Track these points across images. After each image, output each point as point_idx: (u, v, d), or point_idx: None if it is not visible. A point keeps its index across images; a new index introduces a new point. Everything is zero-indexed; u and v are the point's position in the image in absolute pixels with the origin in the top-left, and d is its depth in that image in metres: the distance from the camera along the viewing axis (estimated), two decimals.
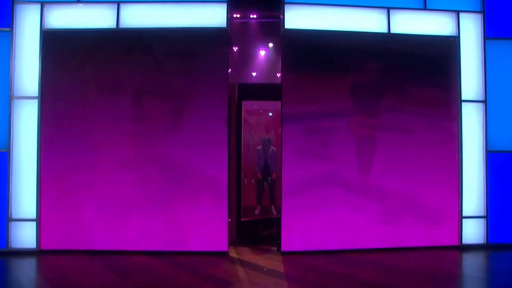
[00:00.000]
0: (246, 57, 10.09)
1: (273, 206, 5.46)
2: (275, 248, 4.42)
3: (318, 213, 4.23)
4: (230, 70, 10.39)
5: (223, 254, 4.15)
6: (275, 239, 4.68)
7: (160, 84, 4.27)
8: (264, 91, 4.99)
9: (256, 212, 5.39)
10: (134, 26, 4.32)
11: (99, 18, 4.33)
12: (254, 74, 10.39)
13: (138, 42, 4.30)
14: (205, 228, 4.17)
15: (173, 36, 4.30)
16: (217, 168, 4.16)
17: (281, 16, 4.35)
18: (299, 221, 4.21)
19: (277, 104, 5.68)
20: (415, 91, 4.43)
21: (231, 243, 4.60)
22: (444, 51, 4.50)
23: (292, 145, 4.23)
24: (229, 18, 4.36)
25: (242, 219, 4.77)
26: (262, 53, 10.07)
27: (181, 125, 4.22)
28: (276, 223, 4.78)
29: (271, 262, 3.99)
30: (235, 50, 10.07)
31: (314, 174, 4.23)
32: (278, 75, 10.49)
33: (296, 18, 4.38)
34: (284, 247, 4.19)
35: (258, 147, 5.54)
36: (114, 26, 4.30)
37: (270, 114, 6.18)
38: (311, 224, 4.24)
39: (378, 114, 4.38)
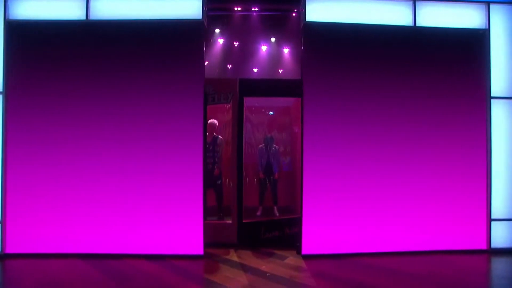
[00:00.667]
0: (247, 53, 9.94)
1: (275, 207, 5.30)
2: (278, 252, 4.29)
3: (341, 214, 4.13)
4: (230, 66, 10.42)
5: (198, 258, 4.03)
6: (278, 242, 4.55)
7: (131, 79, 4.10)
8: (267, 87, 4.81)
9: (258, 213, 5.23)
10: (104, 18, 4.16)
11: (68, 9, 4.16)
12: (255, 70, 10.24)
13: (109, 35, 4.13)
14: (179, 231, 4.06)
15: (145, 29, 4.13)
16: (192, 168, 4.04)
17: (301, 9, 4.23)
18: (321, 222, 4.12)
19: (279, 101, 5.63)
20: (442, 86, 4.28)
21: (232, 246, 4.47)
22: (472, 45, 4.35)
23: (314, 143, 4.11)
24: (205, 10, 4.21)
25: (243, 221, 4.61)
26: (264, 48, 9.93)
27: (154, 124, 4.07)
28: (279, 224, 4.64)
29: (290, 265, 3.85)
30: (235, 45, 9.92)
31: (336, 174, 4.13)
32: (280, 71, 10.42)
33: (318, 11, 4.24)
34: (305, 250, 4.07)
35: (260, 146, 5.38)
36: (84, 17, 4.14)
37: (271, 112, 6.00)
38: (333, 226, 4.13)
39: (402, 110, 4.24)
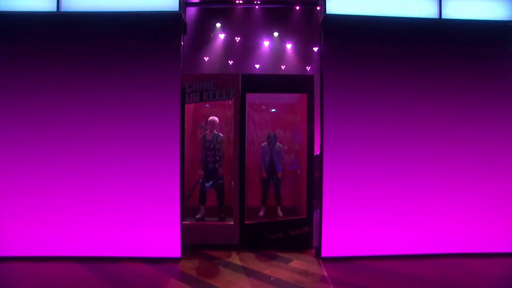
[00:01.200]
0: (249, 48, 9.79)
1: (279, 208, 5.16)
2: (282, 254, 4.16)
3: (363, 215, 4.01)
4: (231, 62, 10.25)
5: (176, 261, 3.90)
6: (282, 244, 4.41)
7: (105, 76, 3.93)
8: (271, 83, 4.66)
9: (261, 214, 5.10)
10: (76, 9, 3.99)
11: (37, 0, 3.97)
12: (257, 66, 10.08)
13: (81, 27, 3.96)
14: (155, 232, 3.93)
15: (119, 21, 3.96)
16: (169, 168, 3.91)
17: (322, 1, 4.08)
18: (342, 224, 4.00)
19: (283, 98, 5.47)
20: (469, 81, 4.12)
21: (234, 248, 4.34)
22: (501, 37, 4.18)
23: (335, 142, 3.99)
24: (183, 1, 4.03)
25: (246, 222, 4.48)
26: (266, 43, 9.76)
27: (127, 122, 3.92)
28: (282, 226, 4.51)
29: (295, 269, 3.72)
30: (237, 41, 9.77)
31: (358, 173, 4.00)
32: (283, 67, 10.26)
33: (338, 3, 4.08)
34: (325, 253, 3.96)
35: (263, 144, 5.24)
36: (55, 9, 3.97)
37: (273, 110, 5.85)
38: (355, 227, 4.01)
39: (428, 107, 4.08)
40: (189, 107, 5.26)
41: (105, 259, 3.89)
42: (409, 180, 4.07)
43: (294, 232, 4.50)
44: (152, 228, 3.93)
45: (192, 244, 4.40)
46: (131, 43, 3.96)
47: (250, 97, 4.81)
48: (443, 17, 4.16)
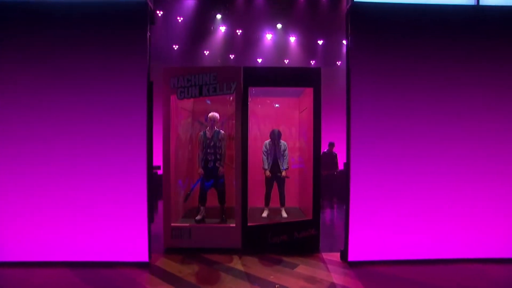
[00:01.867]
0: (251, 41, 9.56)
1: (283, 209, 4.97)
2: (287, 258, 3.96)
3: (391, 217, 3.82)
4: (233, 56, 10.03)
5: (143, 266, 3.73)
6: (287, 247, 4.22)
7: (63, 71, 3.70)
8: (275, 76, 4.44)
9: (264, 215, 4.91)
10: None
11: None
12: (259, 60, 9.86)
13: (40, 17, 3.72)
14: (121, 236, 3.74)
15: (80, 10, 3.73)
16: (134, 167, 3.71)
17: None
18: (370, 226, 3.82)
19: (287, 92, 5.26)
20: (509, 74, 3.86)
21: (236, 252, 4.15)
22: None
23: (362, 140, 3.78)
24: None
25: (248, 224, 4.28)
26: (269, 36, 9.52)
27: (89, 118, 3.71)
28: (287, 228, 4.30)
29: (301, 275, 3.51)
30: (238, 34, 9.53)
31: (386, 173, 3.81)
32: (286, 61, 10.04)
33: None
34: (352, 256, 3.80)
35: (266, 141, 5.03)
36: None
37: (277, 105, 5.65)
38: (383, 230, 3.83)
39: (463, 103, 3.84)
40: (188, 102, 5.09)
41: (68, 264, 3.70)
42: (440, 180, 3.85)
43: (300, 234, 4.30)
44: (118, 231, 3.74)
45: (191, 248, 4.22)
46: (93, 34, 3.72)
47: (253, 92, 4.63)
48: (480, 3, 3.90)
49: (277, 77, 4.46)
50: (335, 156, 8.02)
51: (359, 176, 3.79)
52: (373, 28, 3.83)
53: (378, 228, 3.83)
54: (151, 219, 3.82)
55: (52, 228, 3.74)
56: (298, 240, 4.28)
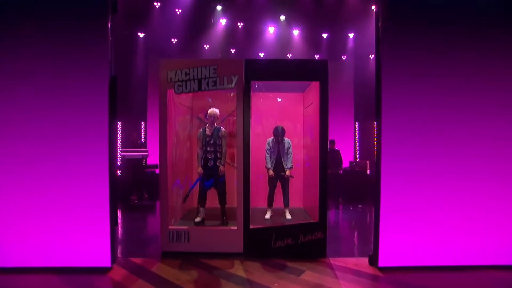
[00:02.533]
0: (253, 35, 9.33)
1: (287, 210, 4.77)
2: (292, 264, 3.76)
3: (426, 220, 3.61)
4: (234, 50, 9.79)
5: (106, 271, 3.54)
6: (292, 252, 4.02)
7: (16, 64, 3.49)
8: (279, 69, 4.22)
9: (267, 216, 4.72)
10: None
11: None
12: (261, 54, 9.62)
13: None
14: (82, 240, 3.54)
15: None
16: (95, 167, 3.52)
17: None
18: (401, 230, 3.61)
19: (292, 86, 5.05)
20: None
21: (237, 256, 3.95)
22: None
23: (394, 138, 3.57)
24: None
25: (251, 227, 4.08)
26: (271, 30, 9.28)
27: (45, 114, 3.50)
28: (292, 231, 4.10)
29: (308, 283, 3.30)
30: (239, 27, 9.30)
31: (421, 174, 3.59)
32: (289, 56, 9.79)
33: None
34: (382, 262, 3.59)
35: (269, 139, 4.82)
36: None
37: (279, 99, 5.44)
38: (416, 234, 3.62)
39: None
40: (187, 98, 4.89)
41: (21, 270, 3.50)
42: (477, 182, 3.64)
43: (305, 238, 4.09)
44: (77, 234, 3.54)
45: (190, 252, 4.03)
46: (47, 25, 3.49)
47: (255, 86, 4.42)
48: None
49: (281, 70, 4.24)
50: (338, 153, 7.81)
51: (390, 176, 3.57)
52: (408, 12, 3.57)
53: (411, 232, 3.60)
54: (114, 221, 3.62)
55: (3, 232, 3.51)
56: (303, 244, 4.08)
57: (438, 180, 3.62)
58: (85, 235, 3.54)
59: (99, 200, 3.52)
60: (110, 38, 3.55)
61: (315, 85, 4.35)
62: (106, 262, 3.57)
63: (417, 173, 3.60)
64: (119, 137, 8.64)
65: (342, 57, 9.79)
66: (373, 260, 3.69)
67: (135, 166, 7.14)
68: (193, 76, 4.06)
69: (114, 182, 3.60)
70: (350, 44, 9.72)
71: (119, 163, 8.22)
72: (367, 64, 9.71)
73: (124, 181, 7.49)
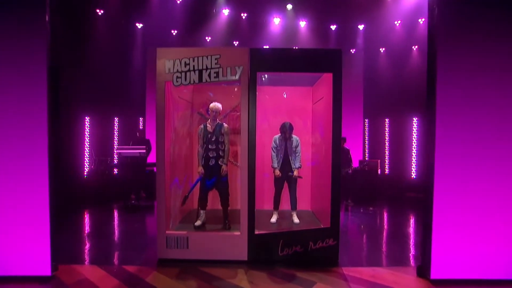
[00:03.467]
0: (257, 26, 9.02)
1: (295, 213, 4.49)
2: (301, 274, 3.48)
3: (483, 229, 3.31)
4: (237, 42, 9.48)
5: (45, 280, 3.29)
6: (300, 260, 3.74)
7: None
8: (287, 59, 3.91)
9: (273, 220, 4.44)
10: None
11: None
12: (266, 47, 9.32)
13: None
14: (18, 245, 3.29)
15: None
16: (32, 167, 3.27)
17: None
18: (456, 239, 3.31)
19: (301, 78, 4.75)
20: None
21: (241, 265, 3.68)
22: None
23: (451, 136, 3.28)
24: None
25: (256, 233, 3.80)
26: (277, 21, 8.96)
27: None
28: (301, 237, 3.82)
29: None
30: (243, 17, 8.99)
31: (480, 181, 3.29)
32: (296, 48, 9.47)
33: None
34: (435, 274, 3.30)
35: (276, 136, 4.53)
36: None
37: (285, 95, 5.15)
38: (472, 244, 3.32)
39: None
40: (187, 91, 4.61)
41: None
42: None
43: (316, 245, 3.81)
44: (14, 240, 3.29)
45: (189, 259, 3.76)
46: None
47: (260, 79, 4.12)
48: None
49: (291, 60, 3.93)
50: (348, 152, 7.50)
51: (445, 180, 3.28)
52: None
53: (467, 241, 3.30)
54: (54, 226, 3.36)
55: None
56: (313, 251, 3.80)
57: (498, 187, 3.30)
58: (21, 241, 3.28)
59: (37, 202, 3.27)
60: (49, 27, 3.28)
61: (326, 78, 4.07)
62: (45, 270, 3.31)
63: (474, 178, 3.29)
64: (115, 133, 8.40)
65: (351, 50, 9.46)
66: (424, 272, 3.39)
67: (133, 164, 6.87)
68: (193, 66, 3.77)
69: (54, 182, 3.33)
70: (360, 36, 9.41)
71: (115, 161, 8.01)
72: (377, 58, 9.38)
73: (122, 180, 7.26)
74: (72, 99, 7.00)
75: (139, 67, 8.76)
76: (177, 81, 3.79)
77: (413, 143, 8.48)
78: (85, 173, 7.65)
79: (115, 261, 4.03)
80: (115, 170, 7.92)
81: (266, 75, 4.42)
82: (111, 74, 7.95)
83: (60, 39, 6.88)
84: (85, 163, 7.67)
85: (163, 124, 3.81)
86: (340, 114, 3.85)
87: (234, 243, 3.80)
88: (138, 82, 8.78)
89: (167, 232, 3.81)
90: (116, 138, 8.39)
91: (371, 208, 6.88)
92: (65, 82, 6.97)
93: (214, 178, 4.11)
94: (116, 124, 8.41)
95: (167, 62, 3.77)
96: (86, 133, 7.66)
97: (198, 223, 4.13)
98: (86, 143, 7.66)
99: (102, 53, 7.66)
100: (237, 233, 3.83)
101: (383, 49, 9.27)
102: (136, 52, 8.75)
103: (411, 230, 5.63)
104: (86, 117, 7.66)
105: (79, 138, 7.53)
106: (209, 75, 3.77)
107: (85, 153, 7.66)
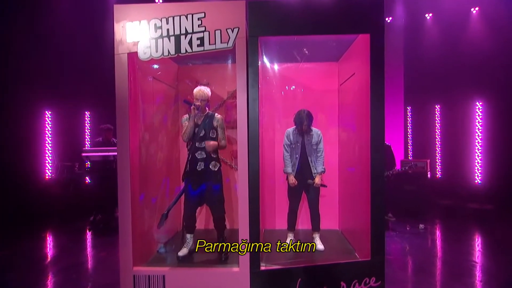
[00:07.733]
0: None
1: (317, 236, 3.92)
2: None
3: None
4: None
5: None
6: None
7: None
8: (302, 16, 3.20)
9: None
10: None
11: None
12: None
13: None
14: None
15: None
16: None
17: None
18: None
19: (323, 47, 4.10)
20: None
21: None
22: None
23: None
24: None
25: (262, 268, 3.19)
26: None
27: None
28: (327, 274, 3.19)
29: None
30: None
31: None
32: None
33: None
34: None
35: (289, 129, 3.94)
36: None
37: (292, 88, 4.72)
38: None
39: None
40: (169, 69, 4.13)
41: None
42: None
43: (351, 287, 3.16)
44: None
45: None
46: None
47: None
48: None
49: (307, 16, 3.25)
50: (389, 149, 6.79)
51: None
52: None
53: None
54: None
55: None
56: None
57: None
58: None
59: None
60: None
61: (359, 45, 3.53)
62: None
63: None
64: (87, 131, 7.95)
65: (387, 19, 8.83)
66: None
67: (105, 170, 6.31)
68: (168, 30, 3.19)
69: None
70: (399, 0, 8.82)
71: (88, 166, 7.52)
72: (422, 27, 8.81)
73: (95, 192, 6.75)
74: (28, 88, 6.64)
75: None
76: (144, 53, 3.20)
77: (477, 136, 7.88)
78: (44, 183, 7.28)
79: None
80: (87, 179, 7.42)
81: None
82: (80, 55, 7.50)
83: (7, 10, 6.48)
84: (46, 170, 7.29)
85: (125, 116, 3.24)
86: (383, 96, 3.19)
87: (231, 283, 3.23)
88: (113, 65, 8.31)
89: (134, 268, 3.24)
90: (87, 137, 7.96)
91: (421, 225, 6.14)
92: (17, 66, 6.60)
93: (202, 186, 3.62)
94: (87, 119, 7.99)
95: (130, 25, 3.21)
96: (46, 131, 7.29)
97: (183, 252, 3.69)
98: (47, 144, 7.27)
99: (67, 28, 7.29)
100: (236, 268, 3.26)
101: (430, 14, 8.70)
102: (108, 26, 8.26)
103: (477, 258, 4.84)
104: (47, 111, 7.29)
105: (36, 138, 7.16)
106: (190, 43, 3.17)
107: (46, 157, 7.26)
